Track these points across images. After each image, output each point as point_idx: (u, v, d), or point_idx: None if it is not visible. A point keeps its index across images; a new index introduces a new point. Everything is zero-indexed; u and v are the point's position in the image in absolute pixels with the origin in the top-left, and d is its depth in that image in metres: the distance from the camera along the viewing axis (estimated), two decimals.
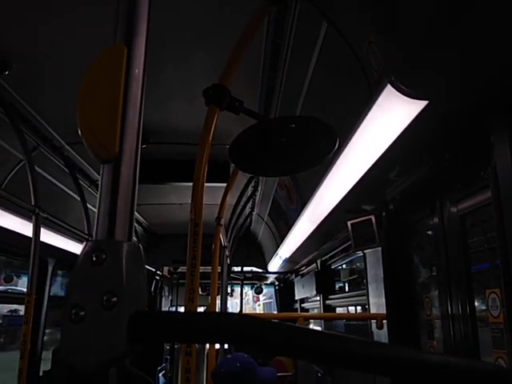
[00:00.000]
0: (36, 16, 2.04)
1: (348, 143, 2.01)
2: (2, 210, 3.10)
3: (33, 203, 2.53)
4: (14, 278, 7.47)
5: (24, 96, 2.74)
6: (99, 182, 0.56)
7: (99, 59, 0.57)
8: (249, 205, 4.77)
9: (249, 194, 4.43)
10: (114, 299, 0.50)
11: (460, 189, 2.02)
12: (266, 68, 2.36)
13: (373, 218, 2.75)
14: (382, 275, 2.83)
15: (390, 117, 1.70)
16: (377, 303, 3.05)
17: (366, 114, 1.76)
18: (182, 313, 0.54)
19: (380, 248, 2.82)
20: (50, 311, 4.95)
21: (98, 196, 0.56)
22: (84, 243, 0.54)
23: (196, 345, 1.62)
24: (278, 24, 2.01)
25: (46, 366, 4.93)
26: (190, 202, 4.94)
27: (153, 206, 5.52)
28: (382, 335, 2.88)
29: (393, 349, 0.47)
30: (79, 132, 0.57)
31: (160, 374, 6.22)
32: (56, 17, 2.05)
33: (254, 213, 5.24)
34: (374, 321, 3.01)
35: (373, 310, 3.17)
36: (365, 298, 3.47)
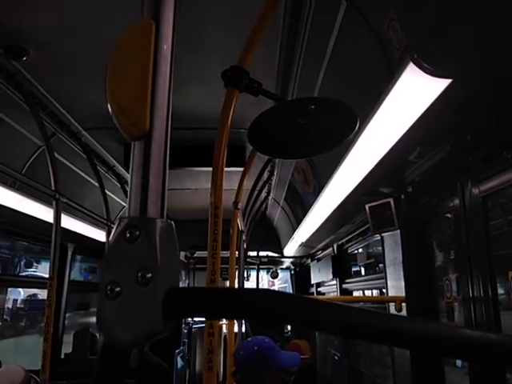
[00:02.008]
0: (52, 1, 2.03)
1: (367, 124, 1.98)
2: (22, 195, 3.14)
3: (53, 188, 2.55)
4: (34, 263, 7.59)
5: (41, 82, 2.75)
6: (131, 160, 0.56)
7: (127, 35, 0.57)
8: (265, 189, 4.77)
9: (265, 178, 4.42)
10: (149, 275, 0.50)
11: (482, 169, 1.99)
12: (282, 49, 2.33)
13: (391, 200, 2.73)
14: (401, 258, 2.81)
15: (412, 96, 1.67)
16: (395, 286, 3.04)
17: (386, 94, 1.73)
18: (217, 288, 0.54)
19: (398, 231, 2.80)
20: (70, 295, 5.05)
21: (129, 174, 0.56)
22: (117, 221, 0.54)
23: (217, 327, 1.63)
24: (296, 4, 1.98)
25: (67, 348, 5.04)
26: (205, 187, 4.99)
27: (168, 191, 5.54)
28: None
29: (434, 325, 0.46)
30: (109, 109, 0.57)
31: (178, 357, 6.31)
32: (72, 1, 2.04)
33: (270, 197, 5.24)
34: (392, 304, 3.00)
35: (391, 293, 3.16)
36: (381, 281, 3.46)
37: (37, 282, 5.44)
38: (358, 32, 1.82)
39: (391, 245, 3.09)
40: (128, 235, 0.52)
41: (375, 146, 2.16)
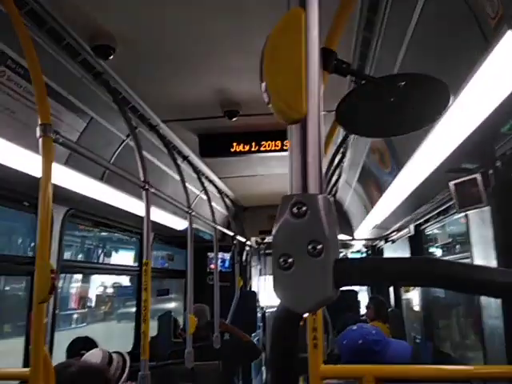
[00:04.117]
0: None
1: (455, 99, 1.92)
2: (110, 187, 3.34)
3: (142, 179, 2.69)
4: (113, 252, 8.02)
5: (124, 78, 2.89)
6: (289, 142, 0.60)
7: (279, 24, 0.60)
8: (336, 172, 4.74)
9: (336, 161, 4.39)
10: (320, 247, 0.54)
11: None
12: (361, 25, 2.30)
13: (478, 176, 2.63)
14: (489, 236, 2.72)
15: (509, 66, 1.60)
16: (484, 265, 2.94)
17: (479, 66, 1.67)
18: (381, 258, 0.57)
19: (485, 208, 2.70)
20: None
21: (288, 154, 0.60)
22: (282, 198, 0.58)
23: None
24: None
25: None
26: (275, 172, 5.00)
27: (239, 178, 5.66)
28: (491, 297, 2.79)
29: None
30: (265, 95, 0.61)
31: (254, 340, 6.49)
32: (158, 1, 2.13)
33: (341, 180, 5.20)
34: None
35: None
36: (466, 261, 3.36)
37: (120, 270, 5.77)
38: (447, 2, 1.77)
39: (478, 223, 2.99)
40: (296, 211, 0.56)
41: (464, 121, 2.09)
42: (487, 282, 0.49)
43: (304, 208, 0.56)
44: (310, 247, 0.55)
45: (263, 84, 0.61)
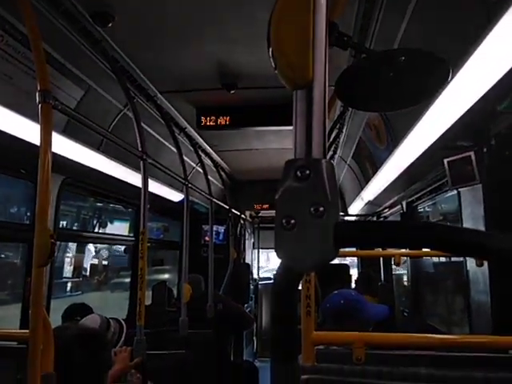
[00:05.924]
0: None
1: (454, 76, 1.93)
2: (107, 157, 3.34)
3: (139, 149, 2.69)
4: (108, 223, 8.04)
5: (122, 47, 2.86)
6: (293, 107, 0.62)
7: None
8: (332, 148, 4.75)
9: (332, 137, 4.39)
10: (322, 209, 0.57)
11: None
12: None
13: (472, 154, 2.66)
14: (480, 213, 2.76)
15: (509, 45, 1.61)
16: None
17: (480, 43, 1.68)
18: (382, 221, 0.59)
19: (477, 186, 2.74)
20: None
21: (293, 120, 0.62)
22: (285, 162, 0.60)
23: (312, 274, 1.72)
24: None
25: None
26: (272, 147, 5.01)
27: (235, 152, 5.66)
28: (479, 273, 2.86)
29: None
30: (272, 63, 0.62)
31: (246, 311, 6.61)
32: None
33: (336, 156, 5.22)
34: (471, 259, 2.97)
35: None
36: None
37: (116, 239, 5.79)
38: None
39: (469, 200, 3.04)
40: (299, 174, 0.58)
41: (461, 98, 2.11)
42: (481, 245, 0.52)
43: (307, 172, 0.58)
44: (312, 209, 0.57)
45: (270, 49, 0.62)
